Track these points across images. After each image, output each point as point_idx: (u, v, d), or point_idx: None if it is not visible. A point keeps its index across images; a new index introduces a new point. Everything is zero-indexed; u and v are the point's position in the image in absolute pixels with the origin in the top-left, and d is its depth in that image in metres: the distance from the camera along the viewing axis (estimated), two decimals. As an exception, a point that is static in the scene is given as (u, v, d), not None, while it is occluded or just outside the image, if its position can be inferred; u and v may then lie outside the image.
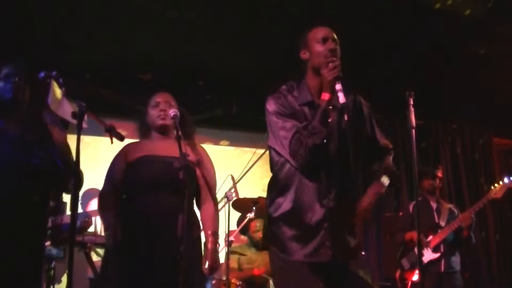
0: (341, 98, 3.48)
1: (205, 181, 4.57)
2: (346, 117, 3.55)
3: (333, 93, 3.55)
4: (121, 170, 4.41)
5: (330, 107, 3.59)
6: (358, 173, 3.78)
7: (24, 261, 3.97)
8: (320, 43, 3.77)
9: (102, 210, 4.44)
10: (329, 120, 3.58)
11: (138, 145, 4.56)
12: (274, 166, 3.90)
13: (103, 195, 4.47)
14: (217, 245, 4.42)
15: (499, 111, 9.40)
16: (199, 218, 4.54)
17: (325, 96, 3.60)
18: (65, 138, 4.15)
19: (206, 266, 4.52)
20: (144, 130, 4.63)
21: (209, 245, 4.41)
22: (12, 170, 4.02)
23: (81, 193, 7.00)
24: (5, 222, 3.91)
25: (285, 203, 3.74)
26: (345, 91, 3.55)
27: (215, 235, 4.45)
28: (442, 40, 7.55)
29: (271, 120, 3.76)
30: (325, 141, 3.57)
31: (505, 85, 8.61)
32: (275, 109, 3.75)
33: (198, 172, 4.48)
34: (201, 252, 4.49)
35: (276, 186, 3.86)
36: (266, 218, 3.88)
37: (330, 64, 3.59)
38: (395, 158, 4.19)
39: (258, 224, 7.42)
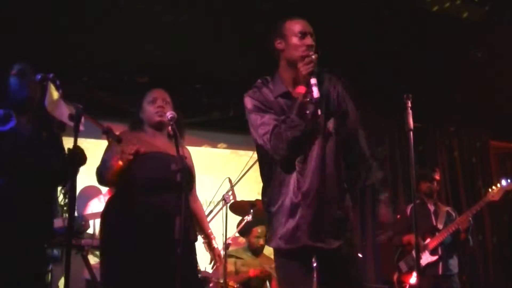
0: (316, 92, 3.53)
1: (194, 180, 4.64)
2: (319, 112, 3.63)
3: (308, 86, 3.58)
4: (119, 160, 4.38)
5: (307, 100, 3.59)
6: (340, 164, 3.77)
7: (29, 262, 3.98)
8: (297, 37, 3.79)
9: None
10: (307, 112, 3.60)
11: (135, 136, 4.54)
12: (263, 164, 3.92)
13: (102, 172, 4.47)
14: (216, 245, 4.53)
15: (497, 114, 9.40)
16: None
17: (301, 89, 3.63)
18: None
19: (216, 264, 4.62)
20: (137, 124, 4.61)
21: (214, 244, 4.68)
22: (20, 169, 4.03)
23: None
24: (11, 221, 3.92)
25: (279, 198, 3.74)
26: (320, 75, 3.70)
27: (212, 233, 4.55)
28: (440, 43, 7.55)
29: (251, 118, 3.79)
30: (303, 133, 3.60)
31: (502, 88, 8.62)
32: (253, 105, 3.79)
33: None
34: (196, 255, 4.51)
35: (268, 183, 3.85)
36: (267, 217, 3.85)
37: (306, 58, 3.64)
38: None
39: (260, 231, 7.42)
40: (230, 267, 6.98)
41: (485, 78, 8.35)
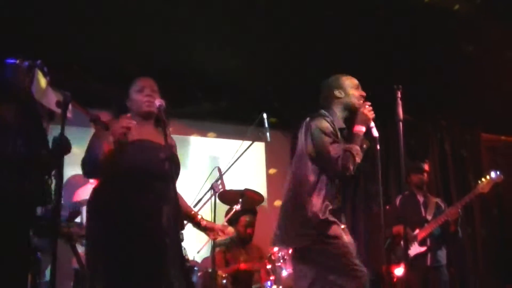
0: (375, 132, 4.77)
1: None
2: (378, 147, 4.80)
3: (368, 127, 4.75)
4: (109, 145, 4.32)
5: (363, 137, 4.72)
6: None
7: (10, 251, 3.96)
8: (354, 89, 4.90)
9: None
10: (364, 146, 4.73)
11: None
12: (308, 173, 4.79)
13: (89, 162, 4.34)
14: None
15: (488, 107, 9.40)
16: None
17: (361, 128, 4.71)
18: None
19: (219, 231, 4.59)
20: (121, 113, 4.55)
21: (203, 221, 4.64)
22: (10, 159, 4.01)
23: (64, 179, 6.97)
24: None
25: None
26: None
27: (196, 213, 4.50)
28: (432, 36, 7.54)
29: (323, 138, 4.66)
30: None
31: (494, 81, 8.61)
32: (328, 129, 4.69)
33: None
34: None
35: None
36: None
37: (368, 106, 4.78)
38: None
39: (248, 220, 7.42)
40: (220, 259, 6.98)
41: (477, 71, 8.34)
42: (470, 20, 7.11)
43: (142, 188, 4.19)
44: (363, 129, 4.71)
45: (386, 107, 5.16)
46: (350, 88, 4.88)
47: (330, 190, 4.69)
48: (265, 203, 8.26)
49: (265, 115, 6.31)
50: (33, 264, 5.13)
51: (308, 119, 4.87)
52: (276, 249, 6.71)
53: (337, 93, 4.90)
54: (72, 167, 6.11)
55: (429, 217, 7.23)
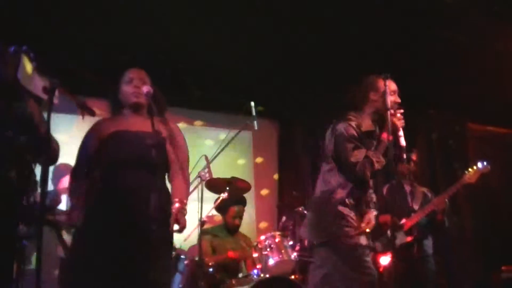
0: (403, 141, 4.82)
1: (177, 156, 4.49)
2: (404, 156, 4.90)
3: (396, 135, 4.80)
4: (93, 147, 4.34)
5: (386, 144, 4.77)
6: None
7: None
8: (392, 94, 4.86)
9: (73, 187, 4.37)
10: (387, 156, 4.78)
11: (110, 121, 4.49)
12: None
13: (75, 172, 4.41)
14: (184, 210, 4.32)
15: (476, 97, 9.41)
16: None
17: (388, 136, 4.69)
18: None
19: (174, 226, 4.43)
20: (116, 107, 4.55)
21: (175, 207, 4.32)
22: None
23: (51, 169, 6.93)
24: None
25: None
26: None
27: (182, 202, 4.35)
28: (419, 25, 7.54)
29: (345, 143, 4.81)
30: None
31: (482, 71, 8.62)
32: (352, 134, 4.83)
33: (169, 147, 4.41)
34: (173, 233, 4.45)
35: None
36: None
37: (399, 115, 4.85)
38: None
39: (237, 210, 7.41)
40: (207, 247, 6.96)
41: (465, 61, 8.34)
42: (459, 11, 7.11)
43: (127, 176, 4.18)
44: (390, 137, 4.71)
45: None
46: (387, 93, 4.82)
47: (354, 191, 4.87)
48: (252, 192, 8.24)
49: (252, 104, 6.31)
50: (19, 252, 5.10)
51: (334, 121, 5.04)
52: (263, 237, 6.71)
53: (372, 95, 4.97)
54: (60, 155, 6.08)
55: (416, 207, 7.24)
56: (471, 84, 8.97)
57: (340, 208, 4.83)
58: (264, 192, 9.52)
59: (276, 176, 9.71)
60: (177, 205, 4.28)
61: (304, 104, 9.62)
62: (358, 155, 4.75)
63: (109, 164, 4.25)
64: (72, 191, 4.36)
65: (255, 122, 6.33)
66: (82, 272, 4.07)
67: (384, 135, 4.81)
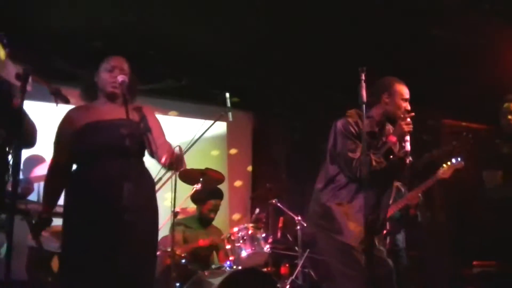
0: (408, 146, 4.72)
1: (154, 132, 4.41)
2: (408, 161, 4.76)
3: (403, 140, 4.76)
4: (68, 138, 4.29)
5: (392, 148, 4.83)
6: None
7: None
8: (403, 100, 4.90)
9: (50, 179, 4.36)
10: (391, 157, 4.82)
11: (83, 111, 4.42)
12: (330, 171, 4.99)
13: (54, 165, 4.38)
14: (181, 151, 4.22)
15: (451, 93, 9.45)
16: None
17: (394, 139, 4.81)
18: None
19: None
20: (91, 92, 4.49)
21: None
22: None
23: (23, 159, 6.87)
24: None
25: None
26: None
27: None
28: (397, 18, 7.55)
29: (344, 141, 4.82)
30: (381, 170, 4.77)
31: (458, 67, 8.65)
32: (350, 130, 4.82)
33: (143, 128, 4.35)
34: (157, 225, 4.44)
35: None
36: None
37: (408, 119, 4.76)
38: None
39: (214, 204, 7.39)
40: (178, 236, 6.94)
41: (441, 56, 8.37)
42: (437, 6, 7.12)
43: (101, 165, 4.15)
44: (396, 140, 4.81)
45: (349, 89, 5.16)
46: (400, 98, 4.90)
47: (348, 187, 4.84)
48: (225, 183, 8.22)
49: (227, 95, 6.29)
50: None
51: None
52: (236, 229, 6.72)
53: (385, 97, 4.95)
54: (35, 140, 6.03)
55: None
56: (447, 80, 9.00)
57: (331, 203, 4.87)
58: (238, 183, 9.51)
59: (250, 168, 9.70)
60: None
61: (279, 96, 9.62)
62: (355, 151, 4.75)
63: (84, 155, 4.22)
64: (48, 190, 4.36)
65: (230, 114, 6.32)
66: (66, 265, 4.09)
67: (389, 138, 4.86)
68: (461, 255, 9.61)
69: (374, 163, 4.72)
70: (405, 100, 4.92)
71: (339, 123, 4.90)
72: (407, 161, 4.77)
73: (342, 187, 4.85)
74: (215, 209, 7.43)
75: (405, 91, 4.96)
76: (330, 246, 4.88)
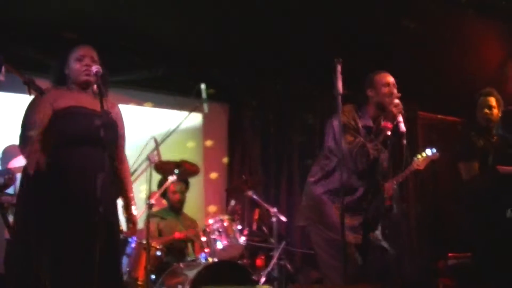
0: (402, 127, 4.87)
1: (122, 140, 4.58)
2: (404, 142, 4.88)
3: (396, 122, 4.87)
4: (47, 115, 4.20)
5: (389, 133, 4.88)
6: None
7: None
8: (385, 86, 5.08)
9: (29, 151, 4.17)
10: (388, 143, 4.92)
11: (63, 93, 4.37)
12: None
13: (29, 138, 4.18)
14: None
15: (426, 85, 9.49)
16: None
17: (389, 124, 4.90)
18: None
19: (128, 228, 4.50)
20: (60, 80, 4.44)
21: (131, 208, 4.48)
22: None
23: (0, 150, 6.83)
24: None
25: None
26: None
27: (133, 198, 4.45)
28: (372, 10, 7.56)
29: (337, 131, 4.85)
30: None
31: (433, 60, 8.69)
32: (348, 123, 4.99)
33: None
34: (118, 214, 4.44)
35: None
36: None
37: (396, 101, 4.94)
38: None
39: (178, 186, 7.39)
40: (153, 229, 6.92)
41: (417, 49, 8.39)
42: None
43: (75, 155, 4.12)
44: (390, 125, 4.91)
45: (324, 80, 5.18)
46: (381, 86, 5.10)
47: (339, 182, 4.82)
48: (201, 175, 8.20)
49: (203, 86, 6.27)
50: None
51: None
52: (211, 221, 6.70)
53: (369, 92, 5.17)
54: (7, 137, 6.00)
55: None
56: (422, 72, 9.03)
57: (324, 197, 5.10)
58: (213, 175, 9.48)
59: (225, 160, 9.66)
60: (133, 207, 4.37)
61: (255, 88, 9.61)
62: (352, 142, 4.91)
63: (59, 140, 4.17)
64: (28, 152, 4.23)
65: (205, 105, 6.30)
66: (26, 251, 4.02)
67: (383, 124, 4.98)
68: (437, 246, 9.67)
69: (371, 151, 4.89)
70: (387, 84, 5.10)
71: (336, 119, 4.90)
72: (404, 142, 4.88)
73: (336, 182, 4.97)
74: (178, 190, 7.44)
75: (385, 78, 5.15)
76: (320, 239, 5.06)
